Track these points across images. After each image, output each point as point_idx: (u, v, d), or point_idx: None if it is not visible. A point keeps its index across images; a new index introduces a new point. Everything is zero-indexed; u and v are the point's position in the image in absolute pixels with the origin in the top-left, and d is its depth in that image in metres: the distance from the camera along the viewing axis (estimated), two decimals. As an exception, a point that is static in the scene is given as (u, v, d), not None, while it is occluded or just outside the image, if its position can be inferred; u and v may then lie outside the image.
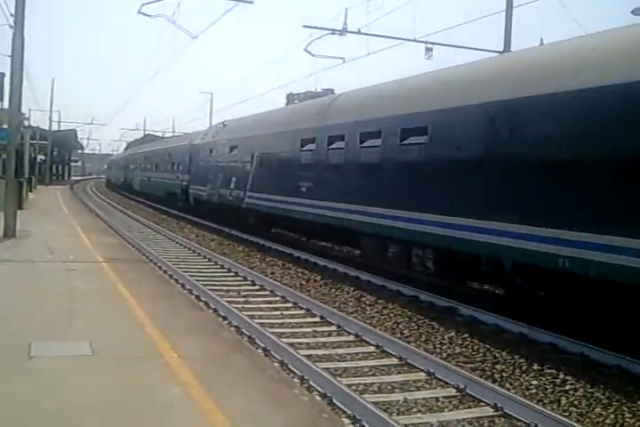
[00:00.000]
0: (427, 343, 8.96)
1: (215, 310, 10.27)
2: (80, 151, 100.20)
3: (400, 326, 9.92)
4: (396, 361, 7.92)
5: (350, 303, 11.50)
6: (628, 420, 6.30)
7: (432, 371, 7.37)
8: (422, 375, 7.38)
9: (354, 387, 6.80)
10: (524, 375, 7.58)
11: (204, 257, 16.71)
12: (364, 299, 11.77)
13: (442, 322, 10.00)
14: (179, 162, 33.22)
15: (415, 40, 25.06)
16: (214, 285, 12.68)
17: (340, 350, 8.43)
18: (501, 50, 23.50)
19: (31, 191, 36.19)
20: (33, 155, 43.47)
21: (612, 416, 6.38)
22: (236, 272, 14.30)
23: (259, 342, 8.42)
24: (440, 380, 7.19)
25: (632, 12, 21.32)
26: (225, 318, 9.76)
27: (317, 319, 10.12)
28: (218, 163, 25.05)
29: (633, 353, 7.78)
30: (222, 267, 15.13)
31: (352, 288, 12.67)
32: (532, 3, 23.53)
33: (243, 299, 11.55)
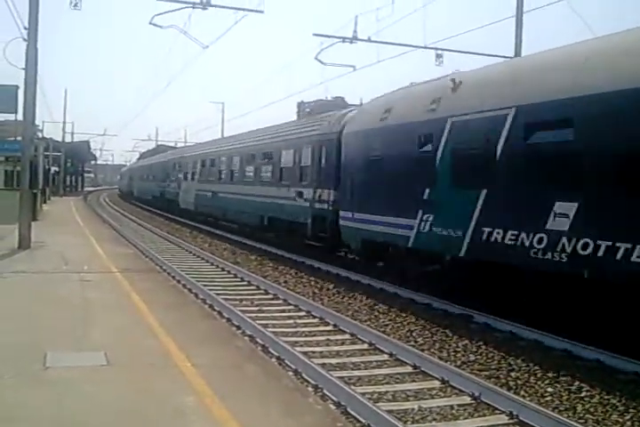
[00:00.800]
0: (441, 351, 8.93)
1: (229, 320, 10.29)
2: (93, 162, 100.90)
3: (414, 333, 9.89)
4: (410, 369, 7.90)
5: (363, 311, 11.49)
6: (645, 427, 6.25)
7: (446, 379, 7.34)
8: (437, 383, 7.36)
9: (368, 395, 6.79)
10: (539, 383, 7.53)
11: (217, 266, 16.76)
12: (377, 307, 11.75)
13: (456, 329, 9.96)
14: (300, 166, 18.77)
15: (425, 47, 25.14)
16: (227, 294, 12.71)
17: (354, 359, 8.41)
18: (512, 55, 23.52)
19: (45, 203, 36.49)
20: (47, 166, 43.81)
21: (629, 423, 6.32)
22: (249, 281, 14.33)
23: (272, 351, 8.43)
24: (455, 388, 7.15)
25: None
26: (239, 328, 9.78)
27: (331, 328, 10.11)
28: (467, 166, 10.72)
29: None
30: (235, 276, 15.17)
31: (365, 296, 12.65)
32: (543, 7, 23.54)
33: (256, 308, 11.57)
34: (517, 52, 23.39)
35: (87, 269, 12.78)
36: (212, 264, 17.22)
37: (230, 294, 12.70)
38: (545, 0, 20.76)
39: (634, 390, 7.18)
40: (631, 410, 6.62)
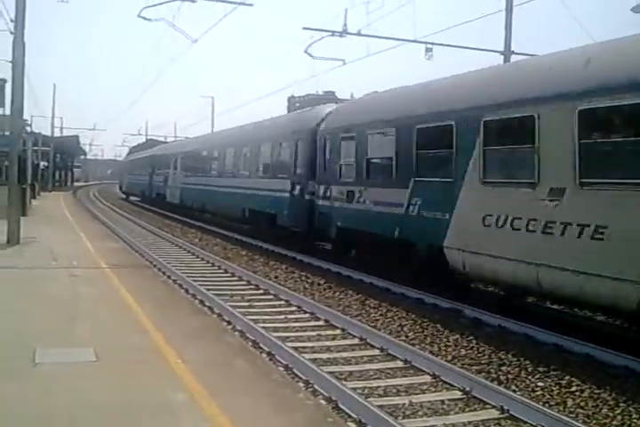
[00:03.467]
0: (432, 346, 8.93)
1: (219, 315, 10.25)
2: (83, 157, 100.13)
3: (404, 328, 9.89)
4: (400, 364, 7.89)
5: (354, 306, 11.47)
6: (635, 421, 6.26)
7: (437, 374, 7.34)
8: (427, 378, 7.35)
9: (359, 391, 6.78)
10: (529, 377, 7.54)
11: (208, 262, 16.70)
12: (368, 302, 11.74)
13: (446, 324, 9.96)
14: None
15: (415, 41, 25.11)
16: (218, 289, 12.66)
17: (345, 354, 8.40)
18: (502, 49, 23.49)
19: (34, 198, 36.23)
20: (35, 161, 43.45)
21: (619, 417, 6.34)
22: (239, 277, 14.29)
23: (263, 347, 8.40)
24: (445, 382, 7.15)
25: (632, 10, 21.33)
26: (229, 323, 9.74)
27: (322, 323, 10.09)
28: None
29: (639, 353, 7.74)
30: (226, 271, 15.12)
31: (356, 291, 12.64)
32: (532, 1, 23.55)
33: (247, 303, 11.53)
34: (507, 47, 23.37)
35: (76, 264, 12.69)
36: (203, 259, 17.15)
37: (221, 290, 12.66)
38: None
39: (623, 384, 7.21)
40: (621, 404, 6.64)
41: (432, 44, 25.14)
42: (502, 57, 23.29)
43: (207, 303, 11.12)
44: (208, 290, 12.26)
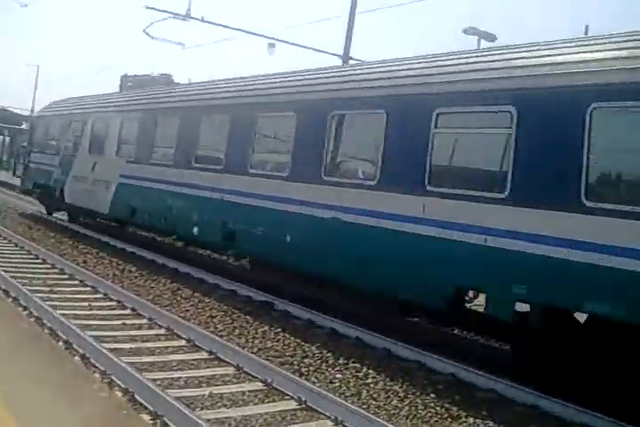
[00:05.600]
0: (239, 337, 8.93)
1: (15, 299, 9.52)
2: None
3: (214, 319, 9.81)
4: (205, 355, 7.81)
5: (165, 296, 11.19)
6: (420, 411, 6.68)
7: (241, 365, 7.35)
8: (231, 370, 7.34)
9: (159, 382, 6.58)
10: (329, 369, 7.79)
11: (9, 241, 15.43)
12: (180, 292, 11.51)
13: (257, 316, 10.03)
14: None
15: (256, 34, 25.15)
16: (18, 272, 11.74)
17: (149, 344, 8.15)
18: (342, 53, 24.23)
19: None
20: None
21: (407, 408, 6.74)
22: (44, 259, 13.37)
23: (60, 335, 7.89)
24: (248, 374, 7.18)
25: (464, 32, 22.88)
26: (25, 308, 9.07)
27: (128, 311, 9.73)
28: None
29: (432, 348, 8.32)
30: (29, 253, 14.08)
31: (169, 280, 12.35)
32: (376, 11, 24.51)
33: (48, 288, 10.79)
34: (347, 51, 24.14)
35: None
36: (5, 238, 15.81)
37: (21, 273, 11.74)
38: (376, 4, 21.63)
39: (414, 377, 7.68)
40: (410, 396, 7.07)
41: (273, 39, 25.32)
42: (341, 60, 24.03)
43: (2, 286, 10.26)
44: (5, 272, 11.31)
